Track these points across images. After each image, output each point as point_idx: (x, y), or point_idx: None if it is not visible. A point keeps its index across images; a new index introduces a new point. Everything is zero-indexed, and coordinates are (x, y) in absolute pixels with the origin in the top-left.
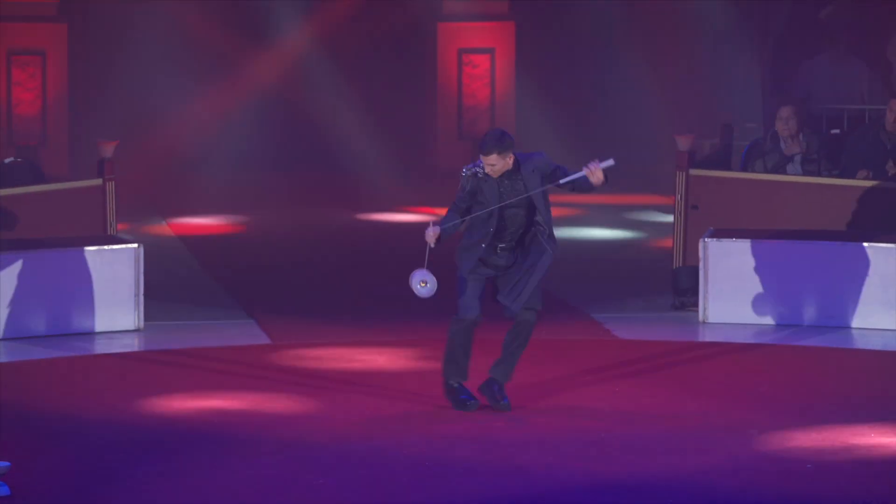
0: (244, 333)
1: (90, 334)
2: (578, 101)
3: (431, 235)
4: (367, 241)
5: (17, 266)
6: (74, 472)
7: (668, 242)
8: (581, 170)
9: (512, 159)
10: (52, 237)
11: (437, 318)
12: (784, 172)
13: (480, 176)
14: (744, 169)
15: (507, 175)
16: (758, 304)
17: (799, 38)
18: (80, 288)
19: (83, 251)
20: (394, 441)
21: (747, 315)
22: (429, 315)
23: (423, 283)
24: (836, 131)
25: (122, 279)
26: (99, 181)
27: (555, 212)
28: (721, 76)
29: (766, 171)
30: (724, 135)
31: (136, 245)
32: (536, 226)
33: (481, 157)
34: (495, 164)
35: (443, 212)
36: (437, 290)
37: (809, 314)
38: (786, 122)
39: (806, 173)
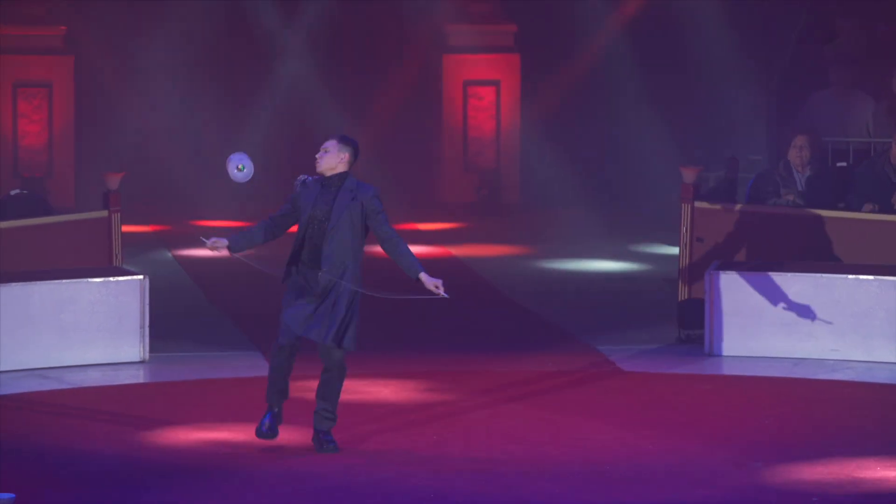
0: (249, 365)
1: (95, 366)
2: (583, 132)
3: (215, 243)
4: (371, 273)
5: (22, 297)
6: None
7: (673, 274)
8: (418, 272)
9: (344, 163)
10: (58, 269)
11: (443, 349)
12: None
13: (308, 183)
14: (749, 201)
15: (331, 183)
16: (763, 336)
17: (804, 72)
18: (86, 319)
19: (89, 282)
20: (398, 472)
21: (753, 348)
22: (435, 347)
23: (240, 168)
24: (843, 164)
25: (128, 311)
26: (105, 213)
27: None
28: (726, 109)
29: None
30: (730, 167)
31: (141, 276)
32: (335, 254)
33: (324, 142)
34: (329, 149)
35: (445, 245)
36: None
37: (815, 347)
38: (800, 150)
39: (806, 196)
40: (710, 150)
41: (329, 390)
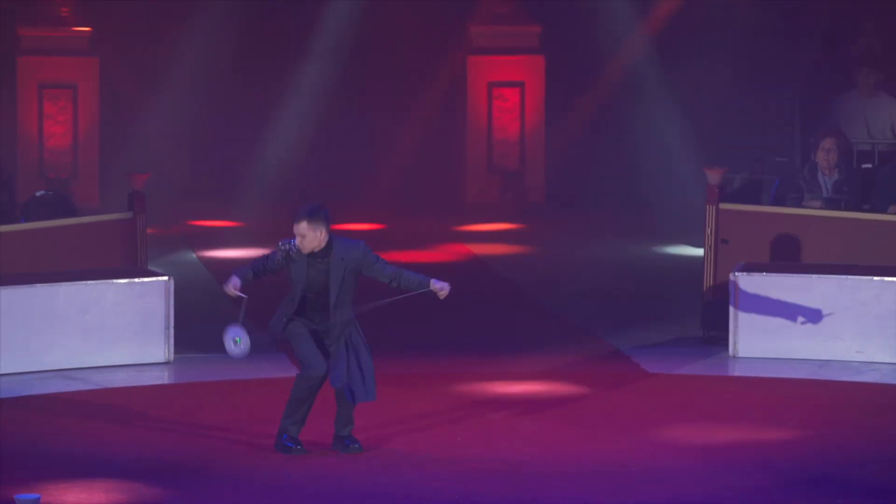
0: (274, 366)
1: (121, 367)
2: (608, 134)
3: (232, 287)
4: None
5: (48, 298)
6: None
7: (697, 276)
8: (428, 284)
9: (324, 236)
10: (83, 270)
11: (465, 350)
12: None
13: (293, 255)
14: (775, 202)
15: (318, 255)
16: (787, 338)
17: (830, 74)
18: (111, 320)
19: (114, 284)
20: (420, 474)
21: (777, 349)
22: (457, 348)
23: (236, 341)
24: (868, 166)
25: (153, 312)
26: (129, 214)
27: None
28: (751, 111)
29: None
30: (755, 169)
31: (166, 277)
32: (340, 314)
33: (296, 225)
34: (305, 234)
35: (469, 246)
36: (251, 350)
37: (840, 349)
38: (827, 153)
39: (829, 205)
40: (735, 151)
41: (349, 412)
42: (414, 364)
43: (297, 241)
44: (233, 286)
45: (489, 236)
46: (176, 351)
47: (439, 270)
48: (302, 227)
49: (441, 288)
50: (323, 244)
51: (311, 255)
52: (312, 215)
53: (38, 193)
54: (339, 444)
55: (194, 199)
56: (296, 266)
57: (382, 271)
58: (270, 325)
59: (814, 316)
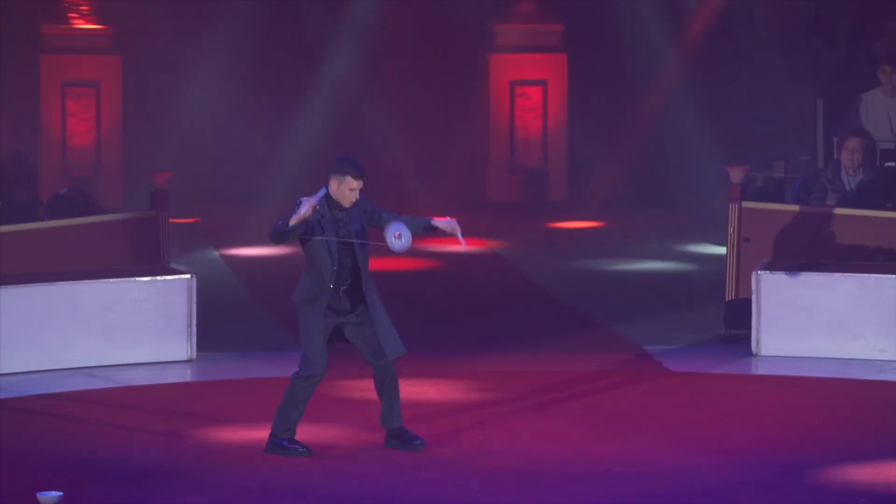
0: (296, 365)
1: (143, 365)
2: (631, 132)
3: (309, 204)
4: (418, 272)
5: (70, 296)
6: (126, 503)
7: (720, 275)
8: (431, 224)
9: None
10: (106, 268)
11: (487, 349)
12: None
13: (318, 210)
14: (797, 201)
15: (339, 207)
16: (810, 336)
17: (853, 72)
18: (133, 318)
19: (136, 282)
20: (443, 473)
21: (800, 348)
22: (479, 346)
23: (398, 236)
24: (891, 164)
25: (175, 310)
26: (152, 212)
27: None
28: (774, 109)
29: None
30: (777, 167)
31: (189, 276)
32: (361, 270)
33: (353, 179)
34: (355, 188)
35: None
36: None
37: (862, 347)
38: (851, 152)
39: (854, 202)
40: (758, 150)
41: (396, 388)
42: (437, 362)
43: (350, 194)
44: (309, 203)
45: (510, 235)
46: (198, 349)
47: (463, 265)
48: (362, 182)
49: (448, 224)
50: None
51: (332, 206)
52: (361, 167)
53: (60, 192)
54: (398, 441)
55: (217, 197)
56: (323, 218)
57: (383, 215)
58: (304, 307)
59: (836, 314)
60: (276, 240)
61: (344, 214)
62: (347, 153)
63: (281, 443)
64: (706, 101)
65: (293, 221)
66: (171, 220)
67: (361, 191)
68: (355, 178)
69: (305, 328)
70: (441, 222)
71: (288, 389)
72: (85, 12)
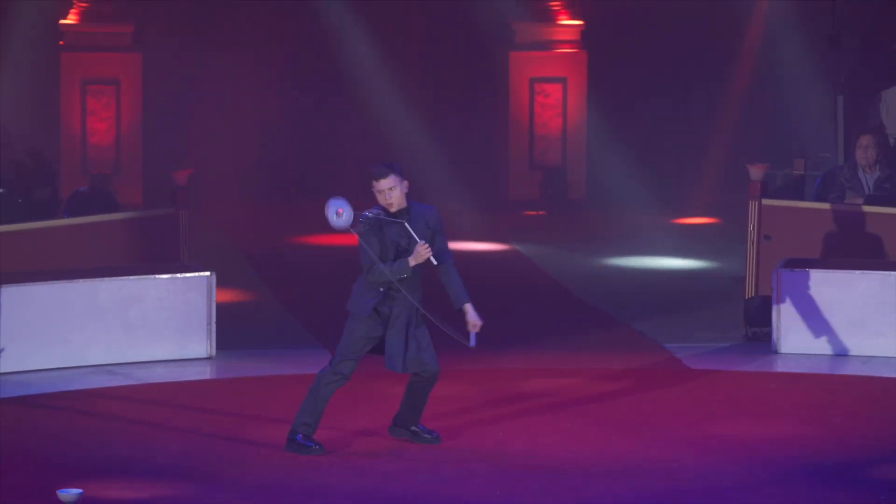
0: (316, 361)
1: (163, 362)
2: (650, 130)
3: (425, 251)
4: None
5: (90, 293)
6: (146, 500)
7: (740, 272)
8: (463, 305)
9: (406, 189)
10: (126, 265)
11: (507, 347)
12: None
13: (376, 220)
14: (817, 199)
15: (398, 217)
16: (831, 334)
17: (873, 68)
18: (153, 316)
19: (156, 279)
20: (463, 470)
21: (820, 345)
22: (499, 344)
23: (339, 213)
24: None
25: (195, 307)
26: (172, 210)
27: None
28: (794, 106)
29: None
30: (798, 165)
31: (208, 273)
32: (419, 280)
33: (376, 182)
34: (394, 186)
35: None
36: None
37: (883, 345)
38: (865, 150)
39: (872, 201)
40: (779, 147)
41: (424, 398)
42: (457, 359)
43: (383, 197)
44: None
45: (530, 232)
46: (218, 346)
47: (483, 264)
48: (390, 179)
49: (474, 320)
50: (404, 202)
51: (391, 217)
52: (394, 167)
53: (81, 189)
54: (416, 435)
55: (237, 195)
56: (383, 228)
57: (441, 245)
58: (357, 303)
59: (857, 312)
60: (376, 279)
61: (399, 220)
62: (384, 158)
63: (296, 438)
64: (726, 97)
65: (369, 277)
66: (191, 218)
67: (411, 197)
68: (375, 179)
69: (349, 328)
70: (471, 314)
71: (315, 383)
72: (106, 11)
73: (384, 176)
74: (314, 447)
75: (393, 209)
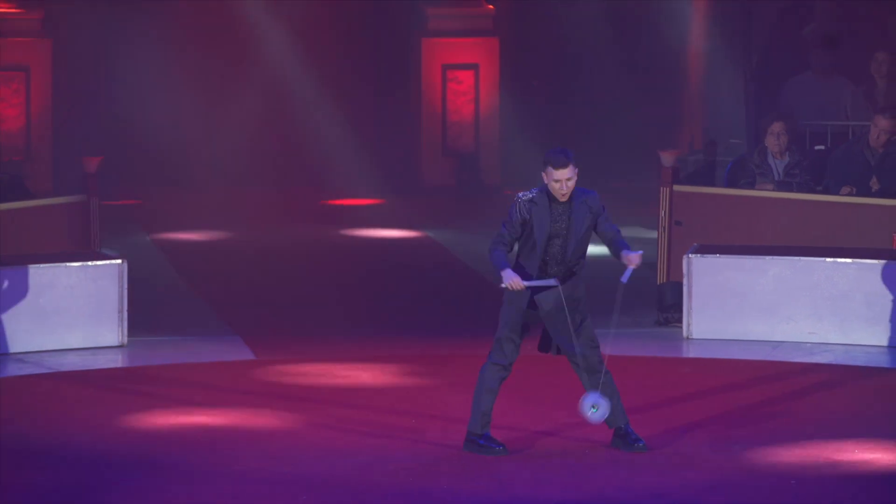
0: (228, 349)
1: (74, 350)
2: (562, 117)
3: (516, 282)
4: (351, 257)
5: (0, 281)
6: (57, 489)
7: (652, 258)
8: (619, 255)
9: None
10: (36, 253)
11: (415, 334)
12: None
13: (536, 200)
14: (728, 185)
15: (559, 201)
16: (742, 319)
17: (783, 55)
18: (64, 304)
19: (67, 267)
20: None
21: (731, 331)
22: (411, 331)
23: (594, 408)
24: (821, 147)
25: (106, 295)
26: (83, 197)
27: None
28: (705, 92)
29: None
30: (708, 151)
31: (120, 261)
32: (577, 264)
33: (555, 171)
34: (571, 176)
35: (425, 231)
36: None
37: (793, 330)
38: (777, 137)
39: (782, 187)
40: (688, 133)
41: (613, 386)
42: (374, 347)
43: (559, 187)
44: (515, 281)
45: (444, 219)
46: (130, 334)
47: (395, 251)
48: (569, 169)
49: (632, 260)
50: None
51: (551, 199)
52: (570, 155)
53: None
54: (623, 441)
55: (147, 181)
56: (539, 211)
57: (606, 224)
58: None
59: (767, 297)
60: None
61: (562, 208)
62: (555, 147)
63: (477, 440)
64: (638, 84)
65: (504, 284)
66: (102, 205)
67: (581, 185)
68: (555, 167)
69: (506, 314)
70: (630, 254)
71: (480, 378)
72: None
73: (564, 165)
74: (497, 448)
75: (564, 199)
